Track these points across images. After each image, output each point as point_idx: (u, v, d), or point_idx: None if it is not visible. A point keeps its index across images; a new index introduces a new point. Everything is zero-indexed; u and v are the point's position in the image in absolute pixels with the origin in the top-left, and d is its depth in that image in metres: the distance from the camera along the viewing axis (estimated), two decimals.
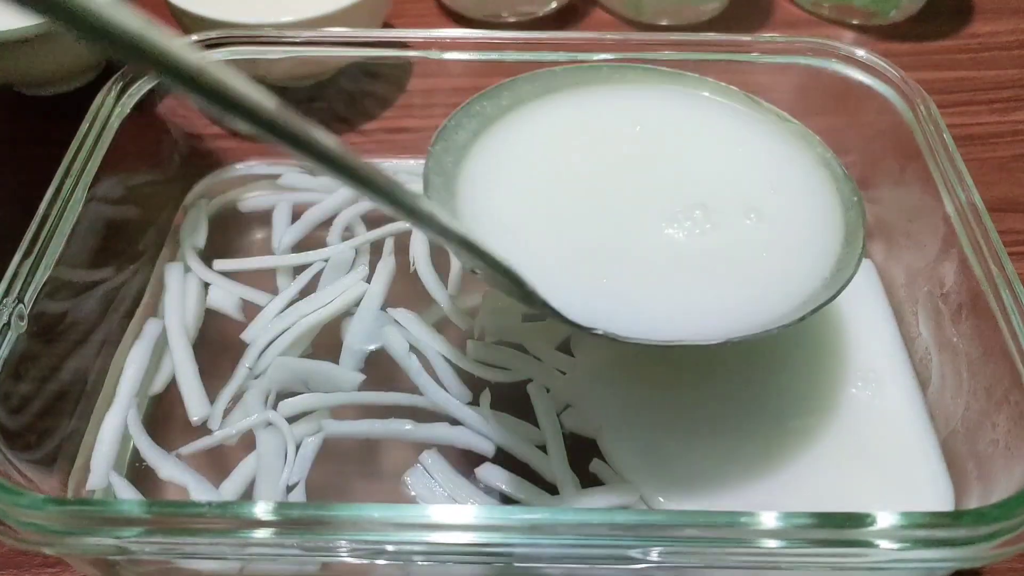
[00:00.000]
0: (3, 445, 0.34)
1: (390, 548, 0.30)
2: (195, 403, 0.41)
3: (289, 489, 0.38)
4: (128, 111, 0.45)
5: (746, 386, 0.41)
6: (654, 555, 0.30)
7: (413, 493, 0.38)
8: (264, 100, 0.22)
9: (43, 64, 0.55)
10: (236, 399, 0.41)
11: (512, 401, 0.41)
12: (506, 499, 0.38)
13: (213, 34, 0.48)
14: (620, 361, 0.42)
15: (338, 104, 0.55)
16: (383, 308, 0.45)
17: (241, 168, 0.53)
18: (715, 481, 0.38)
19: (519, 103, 0.43)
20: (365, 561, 0.31)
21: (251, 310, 0.45)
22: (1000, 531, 0.29)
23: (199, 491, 0.38)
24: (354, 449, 0.40)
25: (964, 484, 0.38)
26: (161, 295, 0.46)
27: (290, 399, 0.41)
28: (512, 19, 0.67)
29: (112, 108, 0.44)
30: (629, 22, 0.67)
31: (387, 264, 0.47)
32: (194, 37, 0.48)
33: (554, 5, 0.67)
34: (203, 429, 0.40)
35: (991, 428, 0.36)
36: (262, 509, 0.30)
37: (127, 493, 0.38)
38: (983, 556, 0.30)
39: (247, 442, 0.40)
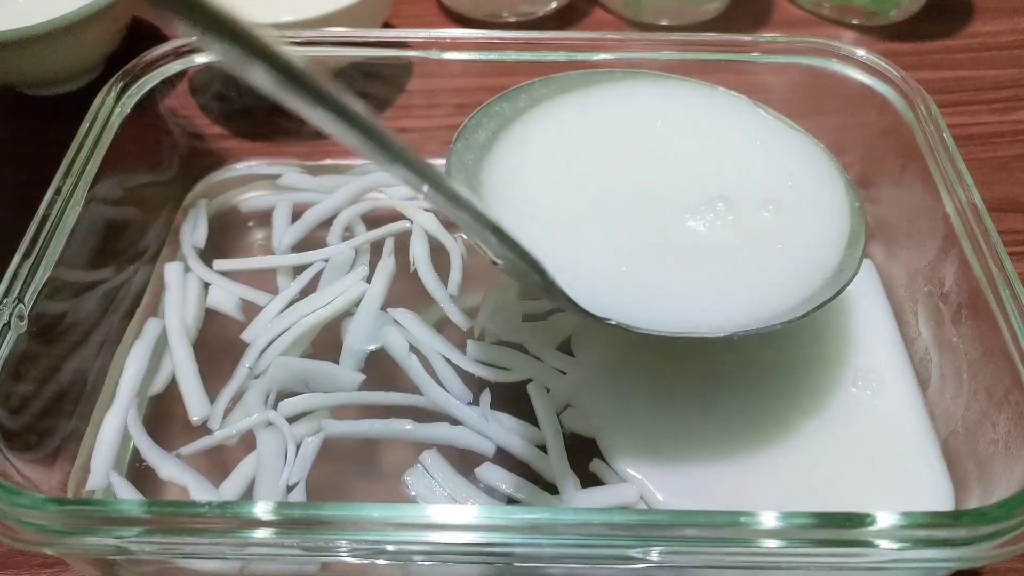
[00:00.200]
0: (3, 445, 0.34)
1: (390, 548, 0.30)
2: (195, 403, 0.41)
3: (289, 489, 0.38)
4: (128, 111, 0.45)
5: (746, 386, 0.41)
6: (654, 555, 0.30)
7: (413, 493, 0.38)
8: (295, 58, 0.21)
9: (43, 64, 0.55)
10: (236, 399, 0.41)
11: (512, 401, 0.41)
12: (506, 499, 0.38)
13: None
14: (620, 361, 0.42)
15: None
16: (383, 308, 0.45)
17: (241, 168, 0.53)
18: (715, 481, 0.38)
19: (535, 104, 0.44)
20: (365, 561, 0.31)
21: (251, 310, 0.45)
22: (1000, 531, 0.29)
23: (199, 491, 0.38)
24: (354, 449, 0.40)
25: (964, 484, 0.38)
26: (161, 295, 0.46)
27: (290, 399, 0.41)
28: (512, 19, 0.67)
29: (112, 108, 0.44)
30: (629, 22, 0.67)
31: (387, 264, 0.47)
32: (194, 37, 0.48)
33: (554, 5, 0.67)
34: (203, 429, 0.40)
35: (991, 428, 0.36)
36: (262, 509, 0.30)
37: (127, 493, 0.38)
38: (983, 556, 0.30)
39: (247, 442, 0.40)
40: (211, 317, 0.45)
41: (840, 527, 0.30)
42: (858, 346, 0.43)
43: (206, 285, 0.46)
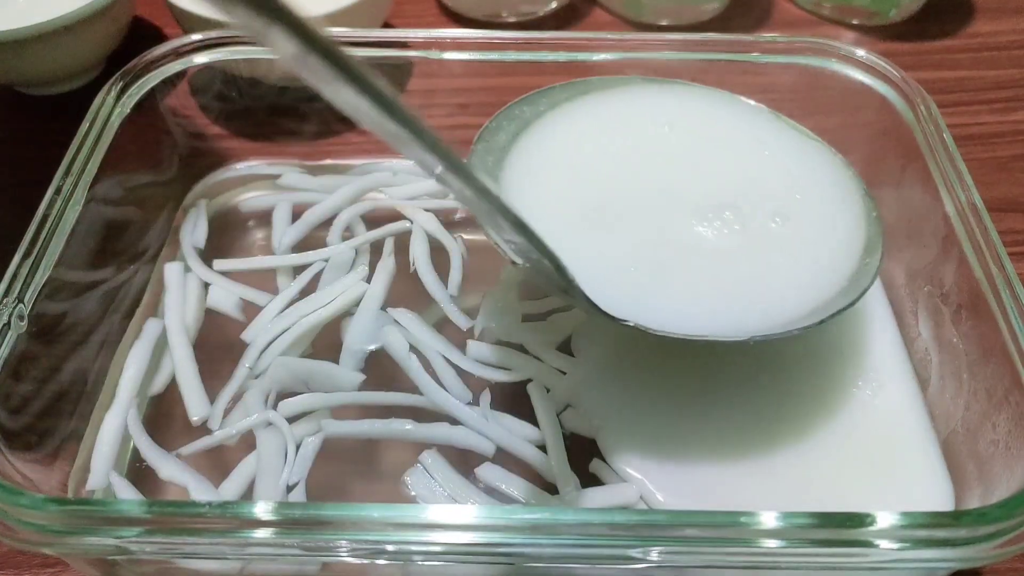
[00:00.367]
0: (3, 445, 0.34)
1: (390, 548, 0.30)
2: (195, 403, 0.41)
3: (289, 489, 0.38)
4: (128, 111, 0.45)
5: (746, 386, 0.41)
6: (654, 555, 0.30)
7: (413, 493, 0.38)
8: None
9: (43, 64, 0.55)
10: (236, 399, 0.41)
11: (512, 401, 0.41)
12: (506, 499, 0.38)
13: (213, 34, 0.48)
14: (620, 361, 0.42)
15: None
16: (383, 308, 0.45)
17: (241, 168, 0.53)
18: (715, 481, 0.38)
19: (554, 107, 0.45)
20: (365, 561, 0.31)
21: (251, 310, 0.45)
22: (1000, 531, 0.29)
23: (199, 491, 0.38)
24: (354, 449, 0.40)
25: (964, 484, 0.38)
26: (161, 295, 0.46)
27: (290, 399, 0.41)
28: (512, 19, 0.67)
29: (112, 108, 0.44)
30: (629, 22, 0.67)
31: (387, 264, 0.47)
32: (194, 37, 0.48)
33: (554, 5, 0.67)
34: (203, 429, 0.40)
35: (991, 428, 0.36)
36: (262, 509, 0.30)
37: (127, 493, 0.38)
38: (983, 556, 0.30)
39: (247, 442, 0.40)
40: (211, 317, 0.45)
41: (840, 527, 0.30)
42: (858, 346, 0.43)
43: (206, 285, 0.46)
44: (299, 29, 0.20)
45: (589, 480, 0.38)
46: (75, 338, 0.41)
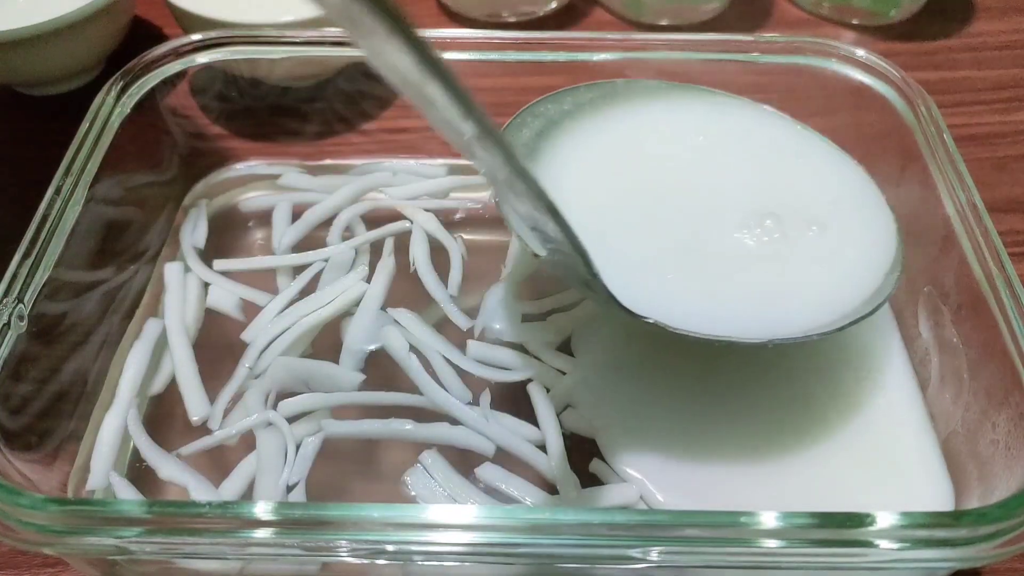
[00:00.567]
0: (3, 445, 0.34)
1: (390, 548, 0.30)
2: (195, 403, 0.41)
3: (289, 489, 0.38)
4: (128, 111, 0.45)
5: (746, 386, 0.41)
6: (654, 555, 0.30)
7: (413, 493, 0.38)
8: None
9: (43, 64, 0.55)
10: (236, 399, 0.41)
11: (512, 401, 0.41)
12: (506, 499, 0.38)
13: (213, 34, 0.48)
14: (620, 362, 0.42)
15: (338, 104, 0.55)
16: (383, 308, 0.45)
17: (241, 168, 0.53)
18: (715, 481, 0.38)
19: (579, 108, 0.45)
20: (365, 561, 0.31)
21: (251, 310, 0.45)
22: (1000, 531, 0.29)
23: (199, 491, 0.38)
24: (354, 449, 0.40)
25: (964, 484, 0.38)
26: (161, 295, 0.46)
27: (290, 399, 0.41)
28: (512, 19, 0.67)
29: (112, 108, 0.44)
30: (629, 22, 0.67)
31: (387, 264, 0.47)
32: (194, 37, 0.48)
33: (554, 5, 0.67)
34: (203, 429, 0.40)
35: (991, 428, 0.36)
36: (262, 509, 0.30)
37: (127, 493, 0.38)
38: (983, 556, 0.30)
39: (247, 442, 0.40)
40: (211, 317, 0.45)
41: (840, 527, 0.30)
42: (858, 346, 0.43)
43: (206, 285, 0.46)
44: None
45: (589, 480, 0.38)
46: (75, 338, 0.41)
